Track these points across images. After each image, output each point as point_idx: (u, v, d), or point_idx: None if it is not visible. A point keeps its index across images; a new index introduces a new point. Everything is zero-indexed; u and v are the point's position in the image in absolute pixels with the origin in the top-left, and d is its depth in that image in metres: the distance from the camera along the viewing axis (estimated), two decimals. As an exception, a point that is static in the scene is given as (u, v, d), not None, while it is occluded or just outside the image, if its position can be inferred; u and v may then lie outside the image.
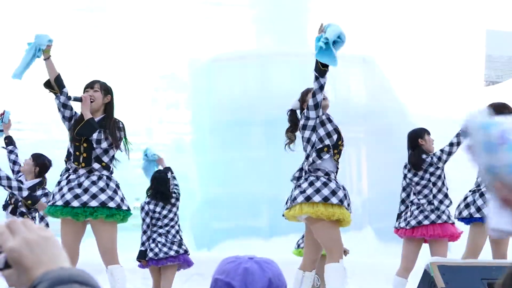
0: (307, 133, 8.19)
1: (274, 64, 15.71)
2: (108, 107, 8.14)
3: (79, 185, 7.89)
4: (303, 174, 8.36)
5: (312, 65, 15.46)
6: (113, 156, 8.10)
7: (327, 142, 8.21)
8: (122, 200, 8.03)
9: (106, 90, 8.17)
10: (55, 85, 8.06)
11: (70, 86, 13.46)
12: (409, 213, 9.43)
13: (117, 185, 8.13)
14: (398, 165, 15.96)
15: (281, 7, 17.65)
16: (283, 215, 8.84)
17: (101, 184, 7.96)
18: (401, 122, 15.31)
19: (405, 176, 9.60)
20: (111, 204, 7.90)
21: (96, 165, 7.99)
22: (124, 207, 8.03)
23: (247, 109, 15.15)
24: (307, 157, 8.30)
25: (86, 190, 7.86)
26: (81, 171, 7.99)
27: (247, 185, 14.77)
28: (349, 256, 11.38)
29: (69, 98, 8.18)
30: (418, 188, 9.39)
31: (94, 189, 7.91)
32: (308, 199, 8.18)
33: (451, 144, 9.44)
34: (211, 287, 2.61)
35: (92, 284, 1.49)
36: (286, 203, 8.63)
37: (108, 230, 8.06)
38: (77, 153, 8.06)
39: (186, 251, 10.19)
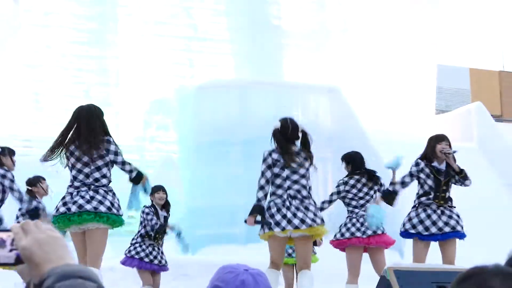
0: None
1: (252, 92, 15.95)
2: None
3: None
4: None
5: (285, 93, 16.37)
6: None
7: None
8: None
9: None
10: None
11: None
12: (358, 224, 9.32)
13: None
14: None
15: (258, 43, 17.99)
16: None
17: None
18: (362, 145, 15.50)
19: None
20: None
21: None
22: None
23: (228, 131, 15.32)
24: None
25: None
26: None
27: (226, 197, 15.00)
28: (319, 263, 11.36)
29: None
30: (363, 202, 9.37)
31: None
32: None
33: (402, 183, 9.22)
34: None
35: (93, 279, 1.53)
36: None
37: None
38: None
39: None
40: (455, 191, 9.87)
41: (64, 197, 7.57)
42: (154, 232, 9.82)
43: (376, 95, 18.75)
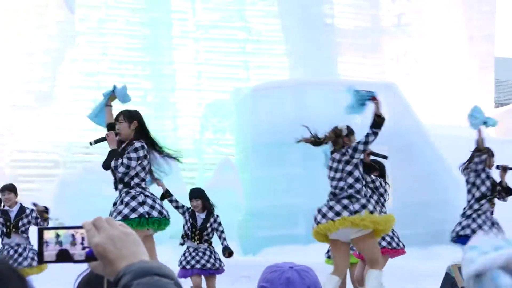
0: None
1: (307, 92, 15.86)
2: (137, 132, 7.91)
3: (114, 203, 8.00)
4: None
5: (340, 92, 16.26)
6: (136, 174, 7.82)
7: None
8: (132, 210, 7.73)
9: (131, 117, 7.92)
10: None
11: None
12: None
13: (133, 197, 7.81)
14: (418, 179, 16.27)
15: (311, 42, 17.91)
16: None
17: (118, 202, 7.89)
18: (421, 141, 15.75)
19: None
20: (118, 218, 7.48)
21: (120, 186, 7.92)
22: (133, 216, 7.73)
23: (285, 132, 14.59)
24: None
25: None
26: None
27: (286, 198, 14.97)
28: None
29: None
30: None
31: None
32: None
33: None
34: None
35: (171, 276, 1.53)
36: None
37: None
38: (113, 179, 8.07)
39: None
40: None
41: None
42: (190, 233, 10.07)
43: (434, 90, 18.61)
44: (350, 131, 8.59)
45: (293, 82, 16.89)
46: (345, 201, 8.35)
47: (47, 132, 16.73)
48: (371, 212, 8.19)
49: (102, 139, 7.91)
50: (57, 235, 1.64)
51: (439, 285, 7.55)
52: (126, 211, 7.67)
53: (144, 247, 1.61)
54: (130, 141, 7.76)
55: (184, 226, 10.20)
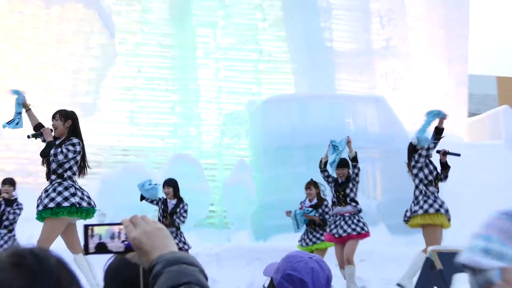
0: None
1: (309, 104, 15.80)
2: (71, 130, 7.66)
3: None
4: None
5: (336, 104, 16.00)
6: (69, 167, 7.55)
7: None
8: (65, 199, 7.38)
9: (66, 116, 7.67)
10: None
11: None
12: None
13: (65, 188, 7.47)
14: (403, 178, 16.08)
15: (314, 62, 17.87)
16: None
17: (50, 189, 7.52)
18: (405, 146, 15.64)
19: None
20: (51, 205, 7.37)
21: (53, 177, 7.60)
22: (66, 204, 7.40)
23: (291, 138, 15.29)
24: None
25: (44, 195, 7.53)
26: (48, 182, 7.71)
27: (291, 193, 14.65)
28: (367, 245, 11.76)
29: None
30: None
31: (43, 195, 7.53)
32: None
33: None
34: (283, 279, 2.59)
35: (196, 265, 1.54)
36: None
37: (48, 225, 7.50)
38: (46, 170, 7.75)
39: None
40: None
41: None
42: (162, 217, 9.73)
43: (417, 102, 18.43)
44: None
45: (298, 95, 16.94)
46: None
47: (92, 137, 16.78)
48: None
49: (39, 134, 7.63)
50: (99, 231, 1.67)
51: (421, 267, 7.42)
52: (59, 199, 7.39)
53: (173, 239, 1.62)
54: (66, 137, 7.59)
55: (157, 213, 9.92)
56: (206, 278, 1.53)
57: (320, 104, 15.98)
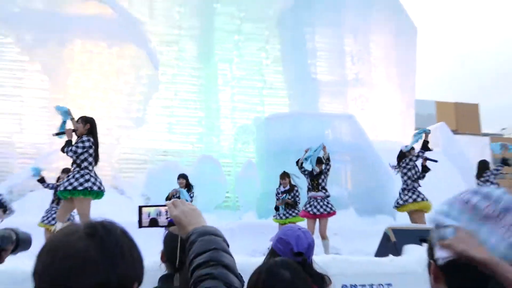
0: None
1: (300, 120, 15.75)
2: (88, 132, 7.33)
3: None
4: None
5: (320, 120, 15.64)
6: (85, 158, 7.25)
7: None
8: (80, 184, 7.12)
9: (86, 121, 7.37)
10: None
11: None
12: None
13: (81, 175, 7.19)
14: (369, 176, 16.08)
15: (303, 89, 17.93)
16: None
17: (70, 176, 7.29)
18: (370, 153, 15.52)
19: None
20: (69, 187, 7.15)
21: (73, 166, 7.35)
22: (80, 188, 7.12)
23: (285, 145, 15.13)
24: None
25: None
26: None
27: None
28: (340, 223, 11.89)
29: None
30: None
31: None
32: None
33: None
34: (277, 241, 2.57)
35: (221, 236, 1.50)
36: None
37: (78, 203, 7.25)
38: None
39: None
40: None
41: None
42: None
43: (378, 120, 18.43)
44: None
45: (291, 114, 16.84)
46: None
47: (141, 142, 16.83)
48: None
49: (62, 133, 7.37)
50: (149, 210, 1.63)
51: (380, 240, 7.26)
52: (75, 184, 7.14)
53: (203, 217, 1.59)
54: (80, 137, 7.33)
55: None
56: (228, 246, 1.52)
57: (307, 120, 15.92)
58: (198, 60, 18.29)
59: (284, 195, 10.21)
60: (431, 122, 23.68)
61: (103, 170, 12.67)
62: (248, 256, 7.26)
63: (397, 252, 6.39)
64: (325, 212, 9.33)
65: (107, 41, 16.32)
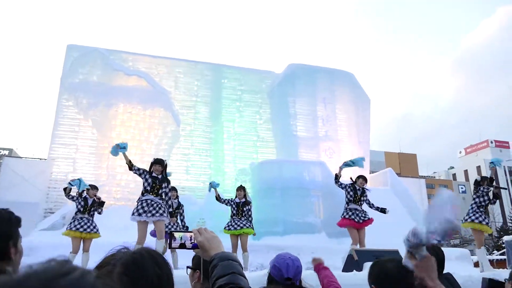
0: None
1: (284, 165, 15.38)
2: (163, 171, 7.05)
3: None
4: None
5: (300, 166, 15.35)
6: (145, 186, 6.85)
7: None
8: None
9: (162, 163, 7.10)
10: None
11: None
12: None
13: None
14: (337, 204, 15.84)
15: (286, 142, 17.71)
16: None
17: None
18: (337, 191, 15.39)
19: None
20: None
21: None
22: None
23: (273, 181, 14.86)
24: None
25: None
26: None
27: (273, 213, 14.47)
28: (315, 244, 11.76)
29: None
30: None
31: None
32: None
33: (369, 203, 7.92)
34: (272, 267, 2.38)
35: (237, 261, 1.37)
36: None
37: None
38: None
39: None
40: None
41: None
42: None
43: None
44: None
45: (278, 160, 16.73)
46: None
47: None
48: None
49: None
50: (177, 236, 1.53)
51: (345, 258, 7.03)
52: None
53: (222, 244, 1.46)
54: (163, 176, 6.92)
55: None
56: (243, 269, 1.40)
57: (290, 166, 15.76)
58: (209, 120, 18.40)
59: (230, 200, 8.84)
60: (381, 168, 23.76)
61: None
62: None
63: (359, 268, 6.28)
64: (367, 219, 8.11)
65: (142, 105, 16.52)
